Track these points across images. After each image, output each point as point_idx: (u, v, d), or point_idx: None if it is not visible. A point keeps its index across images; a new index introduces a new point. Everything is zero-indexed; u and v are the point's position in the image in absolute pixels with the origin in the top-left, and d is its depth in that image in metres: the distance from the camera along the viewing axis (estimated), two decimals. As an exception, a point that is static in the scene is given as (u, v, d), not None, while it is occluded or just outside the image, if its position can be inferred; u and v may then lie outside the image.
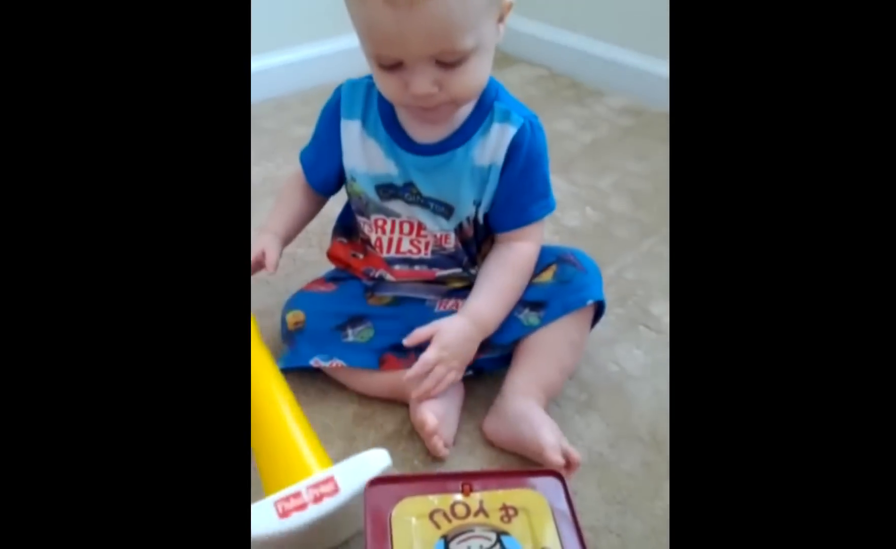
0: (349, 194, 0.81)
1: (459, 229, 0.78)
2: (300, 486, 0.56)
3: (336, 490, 0.55)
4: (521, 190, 0.76)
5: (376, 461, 0.58)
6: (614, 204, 1.18)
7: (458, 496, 0.55)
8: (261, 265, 0.78)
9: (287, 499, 0.55)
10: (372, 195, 0.78)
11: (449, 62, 0.65)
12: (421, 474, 0.57)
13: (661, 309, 0.94)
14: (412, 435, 0.75)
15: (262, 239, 0.80)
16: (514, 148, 0.74)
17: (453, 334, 0.73)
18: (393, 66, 0.66)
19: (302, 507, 0.54)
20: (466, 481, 0.56)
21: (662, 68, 1.47)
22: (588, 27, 1.61)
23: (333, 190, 0.84)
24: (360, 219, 0.81)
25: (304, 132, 1.45)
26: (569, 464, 0.68)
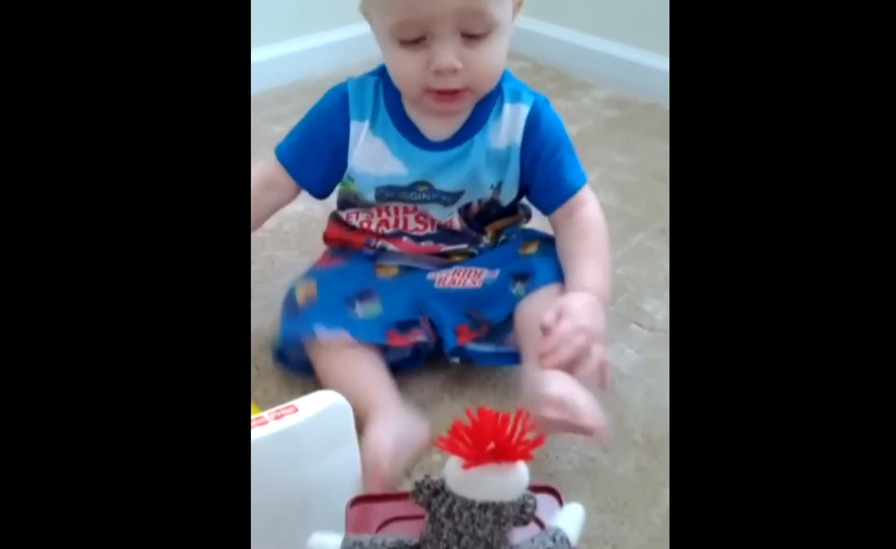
0: (340, 191, 0.79)
1: (465, 209, 0.77)
2: (263, 412, 0.57)
3: (295, 411, 0.56)
4: (553, 167, 0.75)
5: (334, 396, 0.58)
6: (601, 198, 1.15)
7: (448, 516, 0.51)
8: None
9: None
10: (369, 198, 0.76)
11: (474, 35, 0.65)
12: (407, 492, 0.54)
13: (652, 306, 0.92)
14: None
15: None
16: (530, 125, 0.74)
17: (579, 304, 0.66)
18: (415, 41, 0.65)
19: (263, 423, 0.55)
20: (456, 499, 0.52)
21: (648, 59, 1.45)
22: (572, 18, 1.58)
23: (329, 193, 0.81)
24: (355, 209, 0.79)
25: (282, 130, 1.40)
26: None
